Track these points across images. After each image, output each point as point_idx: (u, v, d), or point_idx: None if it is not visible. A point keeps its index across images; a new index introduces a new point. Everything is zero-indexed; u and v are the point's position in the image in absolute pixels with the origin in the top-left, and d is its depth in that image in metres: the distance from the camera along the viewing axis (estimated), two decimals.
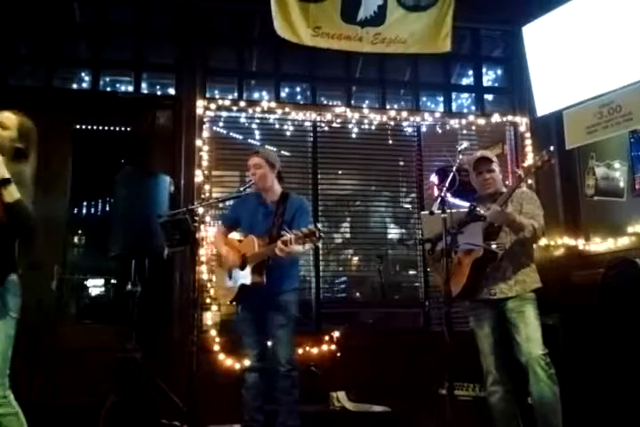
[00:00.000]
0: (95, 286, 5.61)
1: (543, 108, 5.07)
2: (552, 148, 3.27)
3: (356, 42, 4.82)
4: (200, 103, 4.92)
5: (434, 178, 5.13)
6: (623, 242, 4.70)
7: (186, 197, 4.64)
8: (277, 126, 5.17)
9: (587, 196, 5.16)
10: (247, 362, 3.69)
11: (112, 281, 5.37)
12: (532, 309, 3.32)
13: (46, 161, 4.61)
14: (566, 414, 3.23)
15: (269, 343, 3.68)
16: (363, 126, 5.27)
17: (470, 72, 5.74)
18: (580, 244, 5.18)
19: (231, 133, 5.09)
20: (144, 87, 5.16)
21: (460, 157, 3.39)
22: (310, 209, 3.87)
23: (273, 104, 5.10)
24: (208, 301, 4.62)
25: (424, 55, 5.10)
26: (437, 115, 5.39)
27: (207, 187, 4.80)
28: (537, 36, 5.06)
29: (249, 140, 5.12)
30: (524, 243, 3.38)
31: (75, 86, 5.20)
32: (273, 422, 3.54)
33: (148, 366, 3.81)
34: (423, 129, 5.37)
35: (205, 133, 4.90)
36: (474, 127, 5.46)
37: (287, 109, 5.11)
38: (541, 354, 3.19)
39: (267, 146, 5.05)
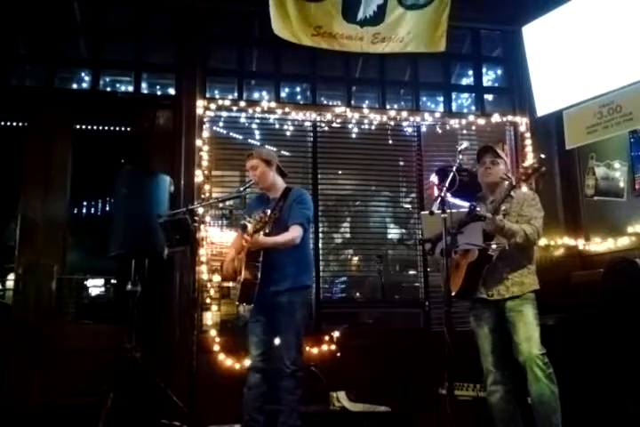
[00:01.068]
0: (95, 286, 5.60)
1: (543, 108, 5.07)
2: (543, 155, 3.29)
3: (357, 41, 4.81)
4: (200, 103, 4.92)
5: (434, 178, 5.13)
6: (623, 242, 4.70)
7: (186, 197, 4.64)
8: (277, 126, 5.16)
9: (587, 196, 5.16)
10: (248, 362, 3.68)
11: (112, 281, 5.37)
12: (531, 308, 3.32)
13: (46, 161, 4.68)
14: (566, 414, 3.23)
15: (274, 344, 3.69)
16: (363, 126, 5.26)
17: (470, 72, 5.73)
18: (580, 244, 5.18)
19: (231, 133, 5.08)
20: (144, 87, 5.16)
21: (460, 157, 3.39)
22: (309, 199, 3.81)
23: (273, 104, 5.10)
24: (208, 301, 4.61)
25: (420, 54, 5.09)
26: (437, 115, 5.39)
27: (207, 187, 4.79)
28: (537, 36, 5.06)
29: (249, 140, 5.12)
30: (524, 245, 3.38)
31: (75, 86, 5.20)
32: (273, 422, 3.55)
33: (147, 366, 3.80)
34: (423, 129, 5.37)
35: (205, 133, 4.89)
36: (474, 127, 5.45)
37: (287, 109, 5.11)
38: (539, 354, 3.20)
39: (267, 146, 5.06)
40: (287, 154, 5.18)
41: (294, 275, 3.63)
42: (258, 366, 3.58)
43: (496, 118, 5.44)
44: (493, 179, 3.50)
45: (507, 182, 3.35)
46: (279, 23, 4.62)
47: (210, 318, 4.58)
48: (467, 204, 3.49)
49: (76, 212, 5.85)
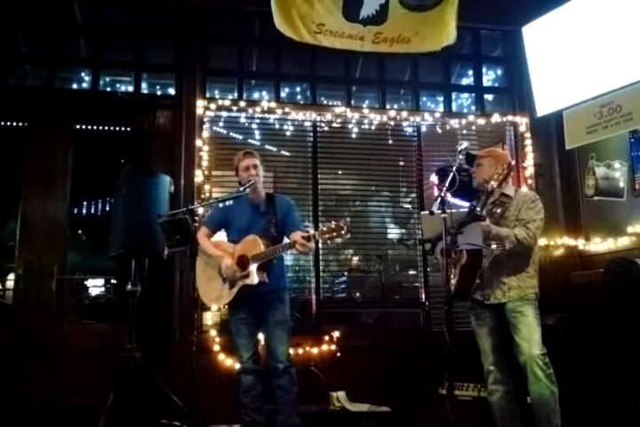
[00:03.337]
0: (95, 286, 5.61)
1: (543, 108, 5.07)
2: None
3: (357, 41, 4.80)
4: (200, 103, 4.92)
5: (434, 178, 5.13)
6: (623, 242, 4.70)
7: (186, 197, 4.64)
8: (277, 126, 5.17)
9: (587, 196, 5.16)
10: (238, 364, 3.69)
11: (112, 281, 5.37)
12: (532, 309, 3.32)
13: (46, 161, 4.68)
14: (567, 413, 3.23)
15: (263, 342, 3.70)
16: (363, 126, 5.27)
17: (470, 72, 5.74)
18: (580, 244, 5.18)
19: (231, 133, 5.08)
20: (144, 87, 5.16)
21: (460, 157, 3.39)
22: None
23: (273, 104, 5.10)
24: None
25: (427, 55, 5.07)
26: (437, 115, 5.39)
27: (207, 187, 4.80)
28: (537, 36, 5.06)
29: (249, 140, 5.12)
30: (518, 249, 3.36)
31: (75, 86, 5.20)
32: (272, 421, 3.55)
33: (147, 366, 3.81)
34: (423, 129, 5.37)
35: (205, 133, 4.90)
36: (474, 127, 5.46)
37: (287, 109, 5.11)
38: (540, 354, 3.20)
39: (266, 146, 5.07)
40: (287, 154, 5.19)
41: (284, 275, 3.78)
42: (250, 368, 3.59)
43: (496, 118, 5.44)
44: (478, 180, 3.49)
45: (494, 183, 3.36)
46: (281, 19, 4.60)
47: (210, 318, 4.58)
48: (467, 204, 3.49)
49: (76, 212, 5.86)
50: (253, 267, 3.45)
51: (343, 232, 3.20)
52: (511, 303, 3.35)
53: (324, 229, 3.26)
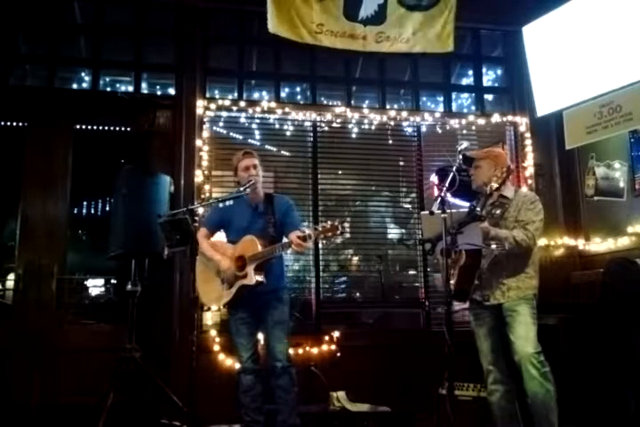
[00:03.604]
0: (95, 286, 5.61)
1: (543, 108, 5.07)
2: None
3: (359, 40, 4.81)
4: (200, 103, 4.92)
5: (434, 178, 5.13)
6: (623, 242, 4.70)
7: (186, 197, 4.64)
8: (277, 126, 5.17)
9: (587, 196, 5.16)
10: (238, 364, 3.69)
11: (112, 281, 5.37)
12: (528, 308, 3.32)
13: (46, 161, 4.68)
14: (567, 413, 3.23)
15: (263, 342, 3.70)
16: (363, 126, 5.27)
17: (470, 72, 5.74)
18: (580, 244, 5.18)
19: (231, 133, 5.08)
20: (144, 87, 5.16)
21: (460, 157, 3.39)
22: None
23: (273, 104, 5.10)
24: None
25: (428, 55, 5.08)
26: (437, 115, 5.39)
27: (207, 187, 4.80)
28: (537, 36, 5.06)
29: (249, 140, 5.12)
30: (516, 251, 3.36)
31: (75, 86, 5.20)
32: (272, 421, 3.55)
33: (148, 366, 3.81)
34: (423, 129, 5.37)
35: (205, 133, 4.90)
36: (474, 127, 5.46)
37: (287, 109, 5.11)
38: (534, 352, 3.20)
39: (267, 146, 5.07)
40: (287, 154, 5.19)
41: (283, 274, 3.76)
42: (249, 368, 3.59)
43: (496, 118, 5.44)
44: (477, 183, 3.48)
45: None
46: (278, 21, 4.60)
47: (210, 318, 4.59)
48: (467, 204, 3.49)
49: (76, 212, 5.86)
50: (251, 267, 3.45)
51: (339, 232, 3.25)
52: (508, 303, 3.35)
53: (320, 229, 3.27)
